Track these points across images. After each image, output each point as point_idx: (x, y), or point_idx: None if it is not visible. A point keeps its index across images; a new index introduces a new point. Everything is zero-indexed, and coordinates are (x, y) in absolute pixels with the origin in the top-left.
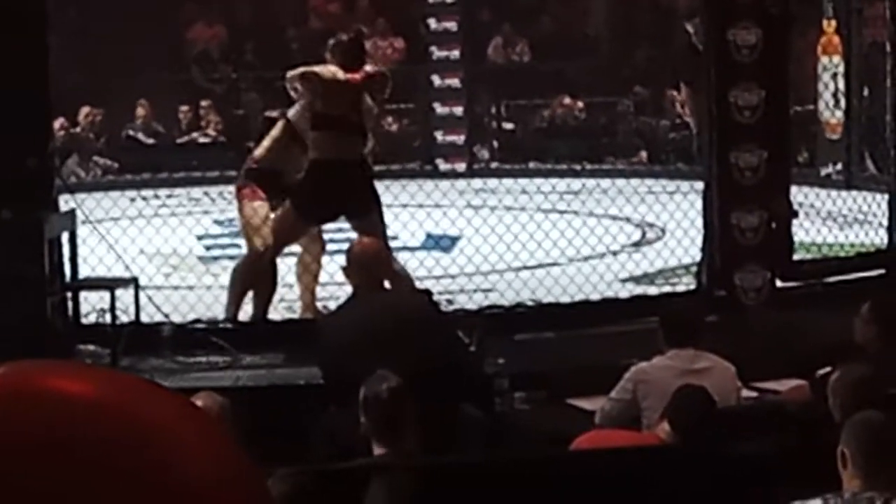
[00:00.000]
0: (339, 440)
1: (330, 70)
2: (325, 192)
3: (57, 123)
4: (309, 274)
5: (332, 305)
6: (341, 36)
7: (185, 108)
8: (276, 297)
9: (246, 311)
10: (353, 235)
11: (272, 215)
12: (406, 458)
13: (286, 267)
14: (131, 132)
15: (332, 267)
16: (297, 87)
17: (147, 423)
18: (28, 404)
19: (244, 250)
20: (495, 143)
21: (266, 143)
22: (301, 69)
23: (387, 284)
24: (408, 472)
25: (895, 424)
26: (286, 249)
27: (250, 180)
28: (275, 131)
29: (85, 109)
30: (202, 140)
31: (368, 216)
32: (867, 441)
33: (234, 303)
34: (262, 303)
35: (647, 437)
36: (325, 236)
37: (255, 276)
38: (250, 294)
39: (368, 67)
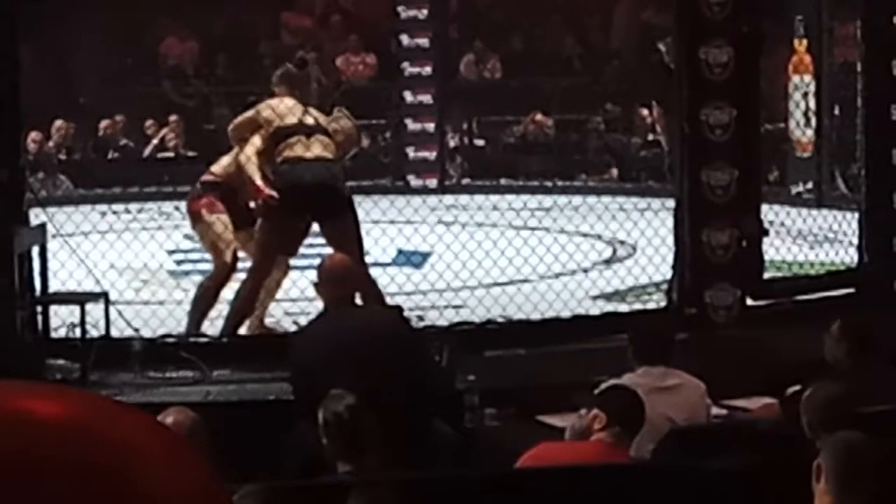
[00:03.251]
0: (308, 456)
1: (256, 175)
2: (297, 187)
3: (36, 136)
4: (268, 286)
5: (303, 321)
6: (287, 66)
7: (150, 122)
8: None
9: (216, 326)
10: (326, 251)
11: (228, 228)
12: (374, 475)
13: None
14: (101, 146)
15: (303, 282)
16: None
17: (115, 444)
18: None
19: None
20: (466, 160)
21: (226, 160)
22: (243, 119)
23: (358, 299)
24: (377, 490)
25: (874, 446)
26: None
27: (209, 192)
28: (235, 151)
29: (57, 123)
30: (165, 155)
31: (339, 223)
32: (846, 460)
33: (198, 319)
34: (237, 320)
35: (592, 444)
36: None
37: (217, 295)
38: (218, 309)
39: (336, 123)
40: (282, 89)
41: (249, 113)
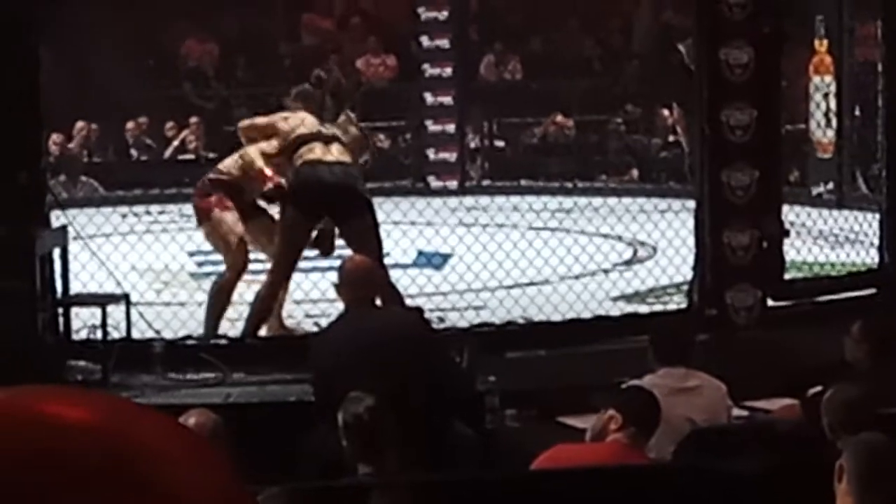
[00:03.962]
0: (328, 458)
1: (261, 166)
2: (316, 187)
3: (58, 138)
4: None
5: (324, 323)
6: (304, 85)
7: (170, 124)
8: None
9: (237, 328)
10: (346, 252)
11: (239, 225)
12: (394, 477)
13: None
14: (123, 148)
15: (324, 284)
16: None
17: (137, 447)
18: (20, 430)
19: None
20: (487, 161)
21: (232, 159)
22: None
23: (378, 301)
24: (398, 491)
25: None
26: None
27: (217, 191)
28: (240, 151)
29: (79, 125)
30: (185, 157)
31: (358, 223)
32: (867, 461)
33: (215, 321)
34: (258, 321)
35: (608, 445)
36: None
37: (231, 294)
38: (239, 311)
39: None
40: (297, 106)
41: (266, 119)
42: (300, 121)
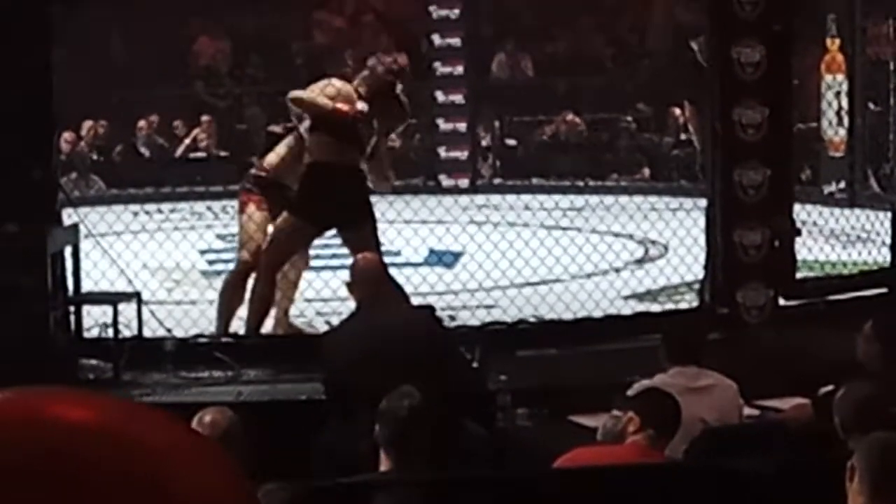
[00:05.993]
0: (339, 456)
1: (329, 103)
2: (323, 194)
3: (69, 137)
4: (287, 280)
5: (335, 321)
6: (377, 68)
7: (178, 122)
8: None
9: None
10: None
11: (270, 227)
12: (403, 476)
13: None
14: (134, 146)
15: (335, 283)
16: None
17: (146, 449)
18: (29, 431)
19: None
20: (498, 160)
21: (280, 151)
22: (301, 95)
23: None
24: (408, 490)
25: None
26: None
27: (258, 188)
28: (289, 141)
29: (88, 123)
30: (197, 155)
31: (361, 230)
32: (879, 460)
33: (227, 319)
34: (257, 319)
35: (627, 447)
36: (330, 251)
37: (243, 289)
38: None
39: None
40: (363, 90)
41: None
42: (336, 91)
